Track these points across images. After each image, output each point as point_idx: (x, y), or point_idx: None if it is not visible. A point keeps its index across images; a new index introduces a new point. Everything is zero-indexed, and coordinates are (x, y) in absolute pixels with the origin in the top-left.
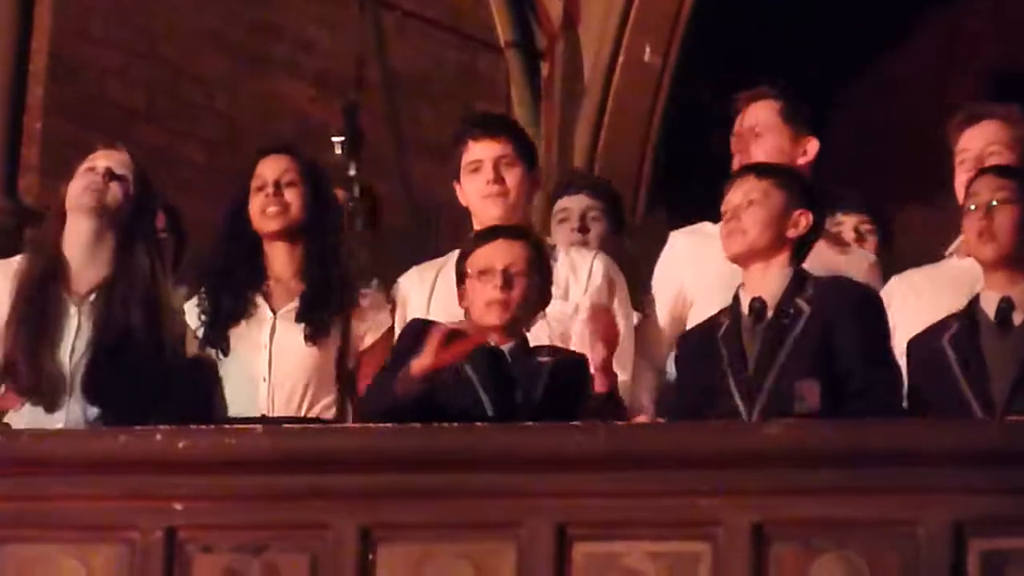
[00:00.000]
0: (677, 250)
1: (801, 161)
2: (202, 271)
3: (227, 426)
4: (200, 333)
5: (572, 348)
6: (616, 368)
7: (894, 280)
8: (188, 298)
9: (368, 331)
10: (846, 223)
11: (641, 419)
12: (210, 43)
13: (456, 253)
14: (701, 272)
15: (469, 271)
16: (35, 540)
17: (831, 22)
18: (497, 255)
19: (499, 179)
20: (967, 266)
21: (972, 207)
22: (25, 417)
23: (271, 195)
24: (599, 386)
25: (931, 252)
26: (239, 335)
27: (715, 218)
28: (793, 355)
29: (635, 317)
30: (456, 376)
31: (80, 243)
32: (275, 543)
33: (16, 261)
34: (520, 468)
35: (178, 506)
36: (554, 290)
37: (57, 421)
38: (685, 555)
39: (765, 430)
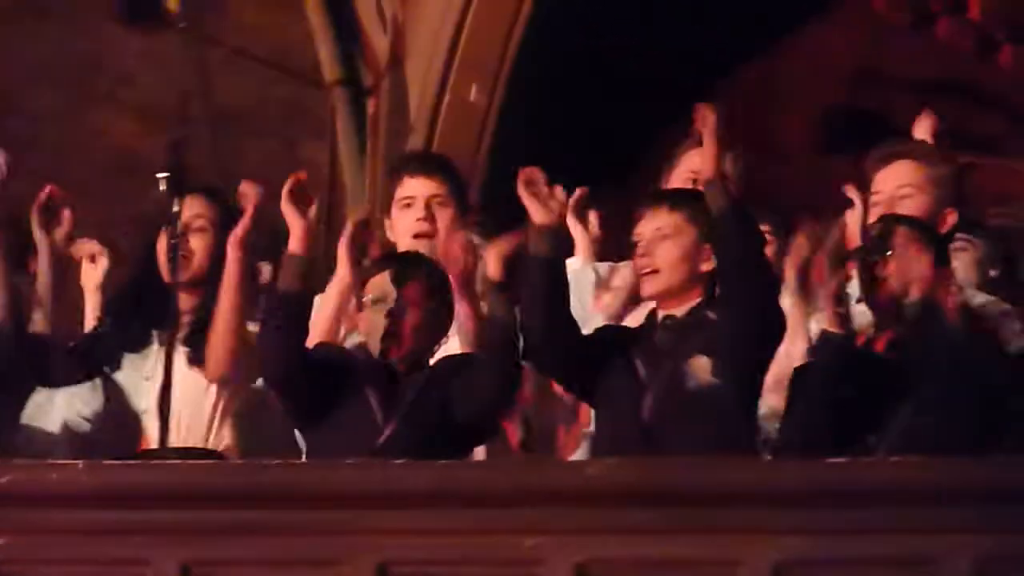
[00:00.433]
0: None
1: None
2: (113, 302)
3: (49, 461)
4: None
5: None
6: None
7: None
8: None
9: None
10: None
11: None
12: (37, 75)
13: None
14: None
15: (364, 298)
16: None
17: (658, 65)
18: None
19: (430, 217)
20: None
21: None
22: None
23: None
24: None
25: None
26: (131, 360)
27: None
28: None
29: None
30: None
31: None
32: None
33: None
34: (343, 505)
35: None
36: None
37: None
38: None
39: (587, 469)
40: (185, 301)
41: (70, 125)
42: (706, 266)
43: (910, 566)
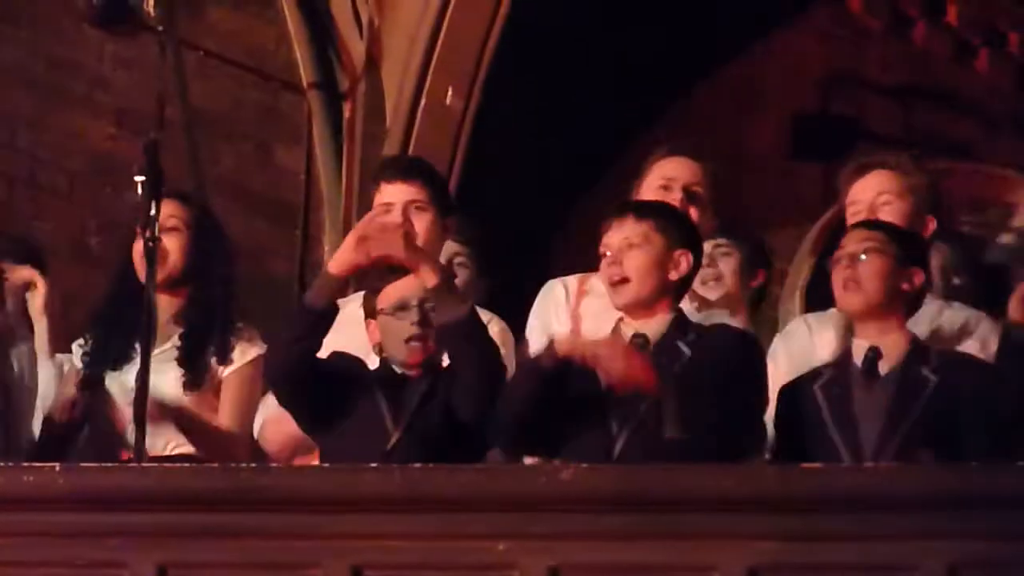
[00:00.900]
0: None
1: None
2: (94, 315)
3: (24, 464)
4: (80, 375)
5: None
6: None
7: (795, 321)
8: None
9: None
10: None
11: None
12: (12, 79)
13: None
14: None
15: (382, 307)
16: None
17: (634, 69)
18: (412, 289)
19: (408, 223)
20: None
21: (839, 259)
22: None
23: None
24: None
25: None
26: (114, 378)
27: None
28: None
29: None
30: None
31: None
32: None
33: None
34: (317, 509)
35: None
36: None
37: None
38: None
39: (560, 474)
40: (166, 306)
41: (46, 128)
42: (675, 275)
43: (884, 572)
